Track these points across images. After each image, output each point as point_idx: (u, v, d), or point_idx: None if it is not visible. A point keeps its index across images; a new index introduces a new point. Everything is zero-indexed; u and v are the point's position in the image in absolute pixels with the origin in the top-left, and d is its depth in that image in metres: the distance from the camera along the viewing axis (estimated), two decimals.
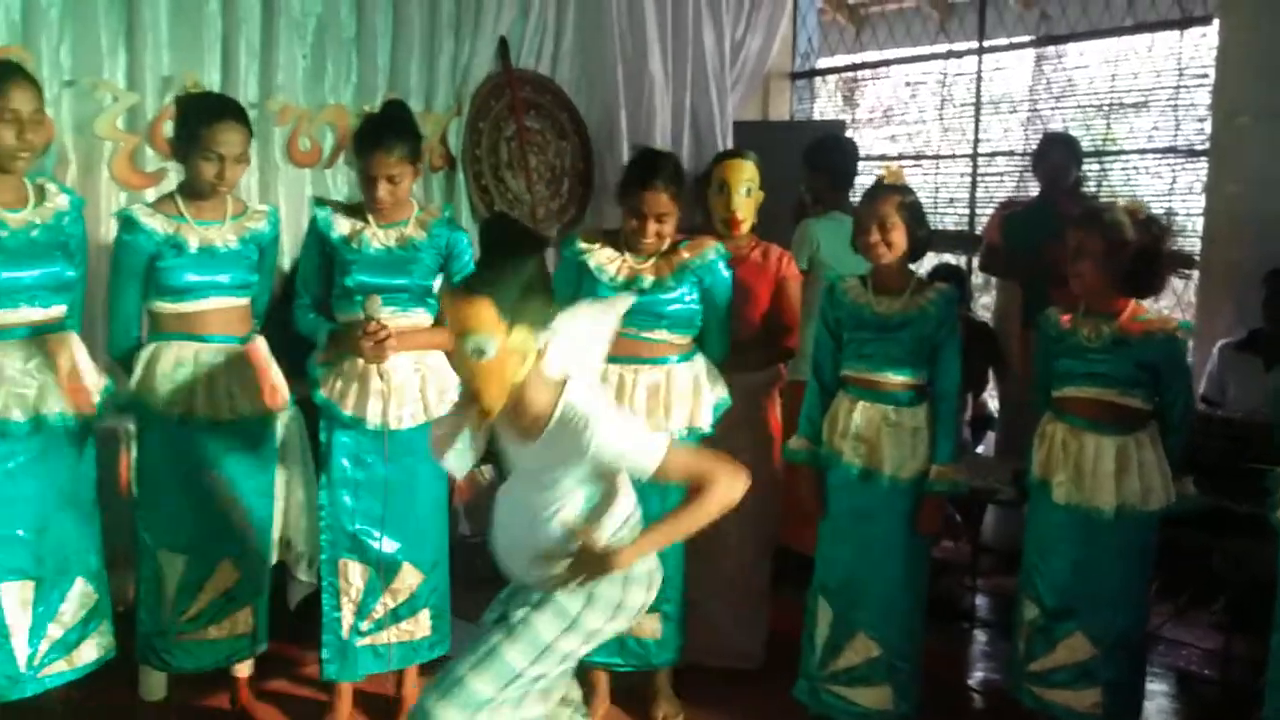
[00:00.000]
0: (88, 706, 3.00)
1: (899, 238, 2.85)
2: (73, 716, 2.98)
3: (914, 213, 2.87)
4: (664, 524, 2.20)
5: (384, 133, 2.85)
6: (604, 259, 3.02)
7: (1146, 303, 2.93)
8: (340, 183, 4.11)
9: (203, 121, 2.79)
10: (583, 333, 2.27)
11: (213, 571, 2.95)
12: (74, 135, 3.50)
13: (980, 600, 4.18)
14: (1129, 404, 2.81)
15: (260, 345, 2.93)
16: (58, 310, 2.72)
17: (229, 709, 3.16)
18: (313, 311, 2.99)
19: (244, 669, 3.14)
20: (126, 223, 2.83)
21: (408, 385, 2.93)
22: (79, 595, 2.79)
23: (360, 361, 2.86)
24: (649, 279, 3.00)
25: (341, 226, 2.93)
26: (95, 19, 3.50)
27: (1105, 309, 2.84)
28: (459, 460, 2.24)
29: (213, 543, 2.95)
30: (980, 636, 3.98)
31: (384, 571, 2.99)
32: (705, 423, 3.04)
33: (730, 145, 4.73)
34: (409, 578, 3.03)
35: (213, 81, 3.74)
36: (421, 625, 3.08)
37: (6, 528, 2.65)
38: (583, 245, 3.06)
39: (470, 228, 4.27)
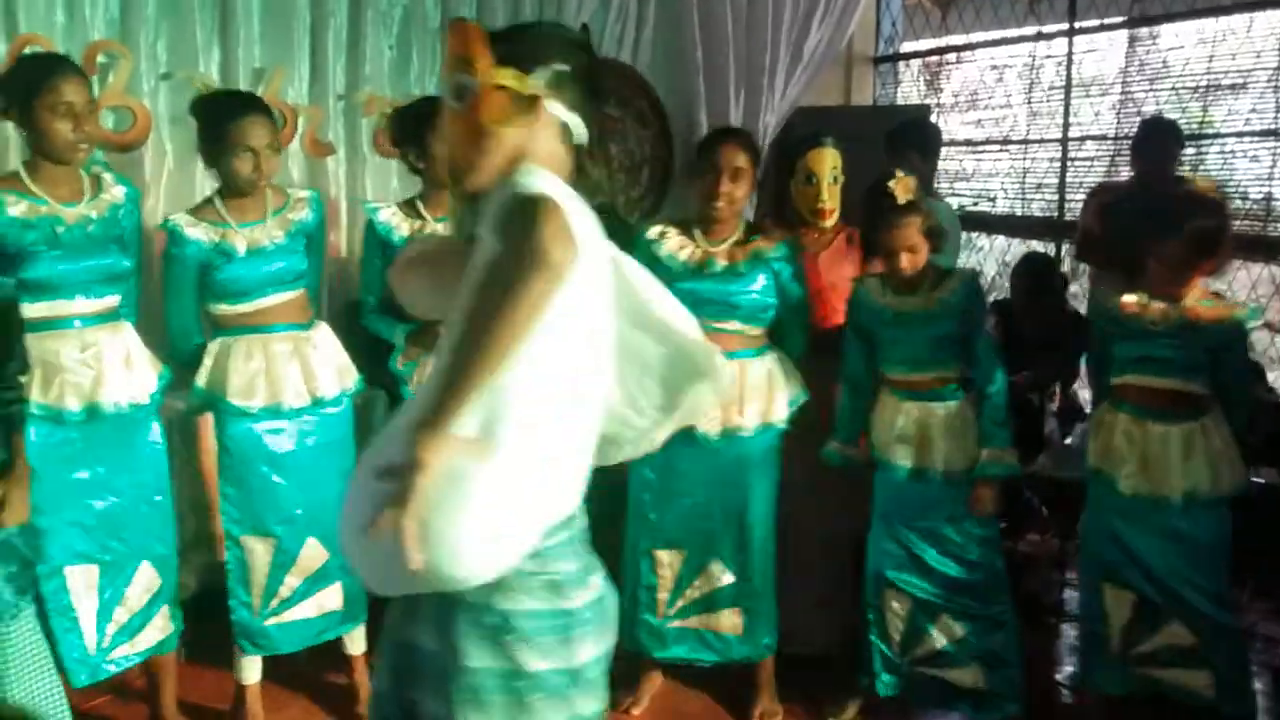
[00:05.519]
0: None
1: (923, 254, 2.85)
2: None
3: (932, 223, 2.85)
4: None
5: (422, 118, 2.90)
6: (674, 246, 2.96)
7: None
8: None
9: (228, 118, 2.77)
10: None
11: (299, 553, 3.00)
12: (170, 127, 3.60)
13: (1070, 594, 4.08)
14: (1192, 390, 2.76)
15: (324, 331, 3.01)
16: (111, 300, 2.76)
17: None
18: (380, 313, 3.02)
19: (356, 645, 3.17)
20: (171, 235, 2.82)
21: None
22: (144, 580, 2.85)
23: None
24: (721, 264, 2.93)
25: (403, 229, 2.96)
26: (190, 14, 3.59)
27: (1172, 292, 2.77)
28: None
29: (298, 525, 2.98)
30: (1070, 631, 3.89)
31: None
32: (780, 418, 2.99)
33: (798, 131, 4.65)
34: None
35: (302, 74, 3.83)
36: None
37: (69, 513, 2.70)
38: (651, 235, 3.00)
39: None
